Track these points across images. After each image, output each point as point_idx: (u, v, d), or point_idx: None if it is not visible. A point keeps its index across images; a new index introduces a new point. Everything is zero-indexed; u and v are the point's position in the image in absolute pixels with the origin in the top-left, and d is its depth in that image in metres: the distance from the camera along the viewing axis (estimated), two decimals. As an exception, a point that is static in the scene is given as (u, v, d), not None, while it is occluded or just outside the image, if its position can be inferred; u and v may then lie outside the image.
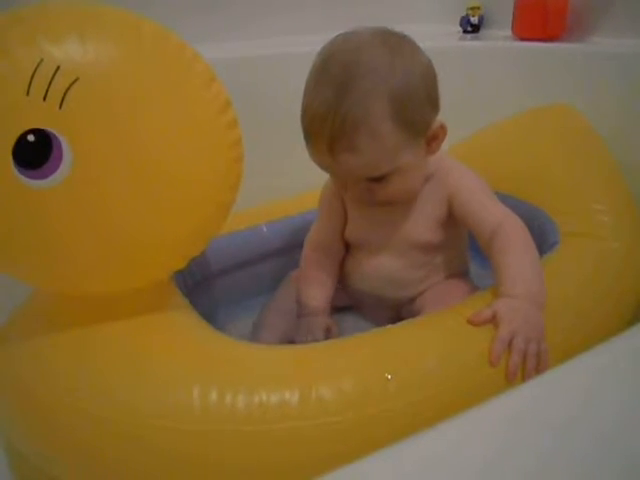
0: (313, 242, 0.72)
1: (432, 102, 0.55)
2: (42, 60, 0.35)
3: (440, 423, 0.25)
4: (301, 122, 0.54)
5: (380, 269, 0.66)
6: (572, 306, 0.53)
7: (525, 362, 0.44)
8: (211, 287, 0.78)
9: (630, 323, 0.58)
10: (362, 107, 0.50)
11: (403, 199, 0.60)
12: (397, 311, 0.68)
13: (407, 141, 0.53)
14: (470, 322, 0.47)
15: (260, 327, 0.71)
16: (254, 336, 0.70)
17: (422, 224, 0.62)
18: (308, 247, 0.72)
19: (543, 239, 0.65)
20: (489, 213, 0.57)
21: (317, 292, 0.68)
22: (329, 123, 0.50)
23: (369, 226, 0.65)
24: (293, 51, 1.03)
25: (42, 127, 0.35)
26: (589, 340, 0.52)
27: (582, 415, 0.25)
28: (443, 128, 0.57)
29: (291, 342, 0.70)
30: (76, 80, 0.35)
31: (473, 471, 0.23)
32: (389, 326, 0.49)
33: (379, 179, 0.55)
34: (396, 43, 0.53)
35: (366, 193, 0.57)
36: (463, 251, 0.70)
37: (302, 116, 0.54)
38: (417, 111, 0.53)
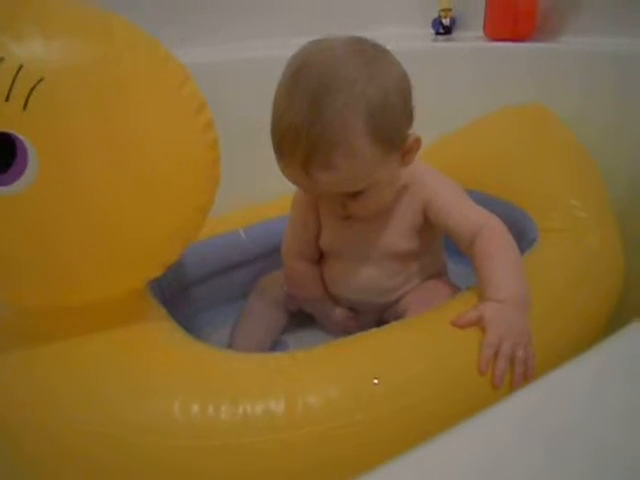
0: (291, 251, 0.71)
1: (407, 115, 0.54)
2: (3, 59, 0.33)
3: (434, 436, 0.24)
4: (271, 135, 0.51)
5: (356, 279, 0.65)
6: (554, 303, 0.53)
7: (512, 368, 0.44)
8: (189, 295, 0.76)
9: (612, 319, 0.58)
10: (339, 123, 0.47)
11: (376, 212, 0.60)
12: (380, 314, 0.67)
13: (383, 156, 0.51)
14: (455, 324, 0.46)
15: (236, 335, 0.70)
16: (231, 345, 0.69)
17: (398, 234, 0.62)
18: (288, 257, 0.71)
19: (521, 237, 0.65)
20: (468, 218, 0.57)
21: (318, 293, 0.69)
22: (303, 139, 0.47)
23: (344, 236, 0.65)
24: (264, 55, 1.02)
25: (5, 130, 0.33)
26: (572, 337, 0.52)
27: (579, 423, 0.25)
28: (418, 141, 0.55)
29: (270, 349, 0.70)
30: (41, 80, 0.33)
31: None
32: (374, 330, 0.48)
33: (353, 195, 0.53)
34: (371, 54, 0.51)
35: (339, 208, 0.56)
36: (439, 253, 0.70)
37: (272, 129, 0.51)
38: (394, 126, 0.51)
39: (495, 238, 0.54)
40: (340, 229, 0.64)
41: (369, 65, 0.49)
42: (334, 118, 0.47)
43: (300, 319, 0.74)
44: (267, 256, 0.81)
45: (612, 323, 0.58)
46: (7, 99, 0.33)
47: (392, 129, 0.51)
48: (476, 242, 0.54)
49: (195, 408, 0.38)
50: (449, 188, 0.61)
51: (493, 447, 0.24)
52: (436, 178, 0.62)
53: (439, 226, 0.60)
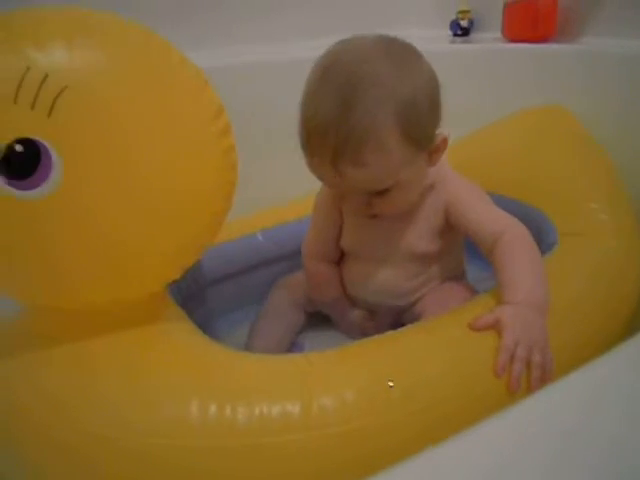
0: (312, 252, 0.71)
1: (436, 114, 0.54)
2: (29, 68, 0.34)
3: (442, 439, 0.24)
4: (300, 133, 0.52)
5: (376, 280, 0.65)
6: (573, 306, 0.52)
7: (529, 372, 0.43)
8: (207, 297, 0.77)
9: (631, 322, 0.57)
10: (369, 121, 0.48)
11: (401, 211, 0.59)
12: (397, 316, 0.67)
13: (411, 155, 0.52)
14: (471, 327, 0.46)
15: (254, 336, 0.71)
16: (248, 345, 0.69)
17: (420, 235, 0.62)
18: (308, 257, 0.72)
19: (541, 239, 0.65)
20: (490, 221, 0.56)
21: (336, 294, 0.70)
22: (333, 136, 0.48)
23: (366, 237, 0.65)
24: (283, 58, 1.02)
25: (30, 136, 0.34)
26: (591, 341, 0.52)
27: (585, 428, 0.25)
28: (445, 141, 0.56)
29: (288, 350, 0.70)
30: (65, 88, 0.34)
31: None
32: (390, 332, 0.49)
33: (379, 193, 0.53)
34: (400, 53, 0.51)
35: (364, 206, 0.56)
36: (459, 256, 0.70)
37: (301, 127, 0.51)
38: (422, 124, 0.52)
39: (517, 242, 0.53)
40: (362, 229, 0.65)
41: (399, 64, 0.50)
42: (365, 115, 0.47)
43: (317, 320, 0.74)
44: (284, 259, 0.81)
45: (632, 325, 0.57)
46: (33, 107, 0.34)
47: (421, 127, 0.51)
48: (497, 246, 0.53)
49: (212, 409, 0.38)
50: (472, 191, 0.61)
51: (498, 453, 0.24)
52: (459, 181, 0.62)
53: (460, 228, 0.60)
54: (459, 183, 0.61)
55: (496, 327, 0.45)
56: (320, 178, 0.54)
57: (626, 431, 0.25)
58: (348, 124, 0.47)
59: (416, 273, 0.64)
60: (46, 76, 0.34)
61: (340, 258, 0.71)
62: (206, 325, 0.70)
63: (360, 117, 0.47)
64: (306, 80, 0.52)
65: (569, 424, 0.25)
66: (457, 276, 0.68)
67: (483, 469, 0.23)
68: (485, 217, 0.57)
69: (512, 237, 0.54)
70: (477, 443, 0.24)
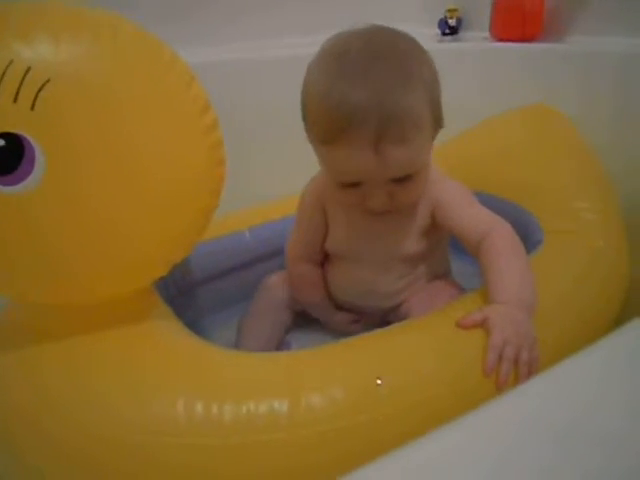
0: (296, 253, 0.71)
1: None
2: (12, 61, 0.33)
3: (439, 428, 0.24)
4: (330, 122, 0.50)
5: (362, 282, 0.65)
6: (560, 305, 0.53)
7: (516, 369, 0.43)
8: (195, 295, 0.76)
9: (617, 320, 0.58)
10: (406, 98, 0.49)
11: (415, 202, 0.60)
12: (384, 316, 0.67)
13: (432, 132, 0.54)
14: (459, 325, 0.46)
15: (242, 335, 0.70)
16: (237, 344, 0.69)
17: (407, 236, 0.62)
18: (292, 259, 0.71)
19: (527, 238, 0.65)
20: (475, 221, 0.57)
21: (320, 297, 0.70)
22: (374, 119, 0.48)
23: (353, 239, 0.64)
24: (272, 54, 1.02)
25: (13, 130, 0.34)
26: (577, 338, 0.52)
27: (583, 417, 0.25)
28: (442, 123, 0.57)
29: (276, 348, 0.70)
30: (48, 81, 0.34)
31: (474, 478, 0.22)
32: (378, 330, 0.49)
33: (403, 180, 0.54)
34: (402, 37, 0.53)
35: (387, 198, 0.55)
36: (444, 254, 0.70)
37: (332, 115, 0.49)
38: (440, 102, 0.54)
39: (502, 241, 0.53)
40: (348, 231, 0.64)
41: (409, 45, 0.52)
42: (402, 93, 0.49)
43: (305, 319, 0.74)
44: (272, 257, 0.81)
45: (617, 325, 0.58)
46: (15, 100, 0.34)
47: (439, 106, 0.54)
48: (483, 245, 0.54)
49: (199, 407, 0.38)
50: (457, 190, 0.61)
51: (496, 444, 0.24)
52: (444, 180, 0.62)
53: (446, 228, 0.60)
54: (444, 182, 0.61)
55: (484, 325, 0.45)
56: (349, 168, 0.52)
57: (626, 422, 0.25)
58: (389, 101, 0.48)
59: (403, 274, 0.64)
60: (29, 69, 0.34)
61: (324, 260, 0.71)
62: (195, 323, 0.69)
63: (399, 96, 0.48)
64: (313, 73, 0.52)
65: (566, 417, 0.25)
66: (443, 274, 0.68)
67: (475, 466, 0.23)
68: (470, 216, 0.57)
69: (498, 236, 0.54)
70: (468, 438, 0.24)
